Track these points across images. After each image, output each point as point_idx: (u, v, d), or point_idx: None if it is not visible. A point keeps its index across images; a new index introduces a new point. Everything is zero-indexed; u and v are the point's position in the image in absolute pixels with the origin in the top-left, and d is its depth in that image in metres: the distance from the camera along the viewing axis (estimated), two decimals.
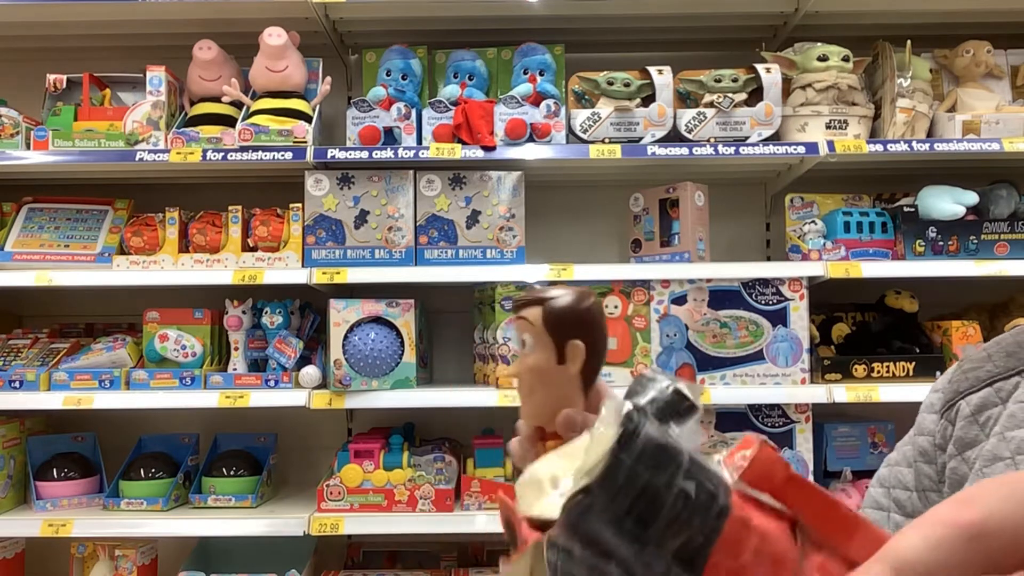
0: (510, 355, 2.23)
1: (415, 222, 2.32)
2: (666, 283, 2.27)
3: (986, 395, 0.75)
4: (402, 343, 2.24)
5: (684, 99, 2.37)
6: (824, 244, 2.31)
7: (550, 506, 0.43)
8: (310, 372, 2.26)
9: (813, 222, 2.36)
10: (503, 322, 2.24)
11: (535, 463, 0.46)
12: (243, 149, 2.26)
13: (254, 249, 2.35)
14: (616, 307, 2.27)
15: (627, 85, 2.30)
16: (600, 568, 0.40)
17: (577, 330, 0.73)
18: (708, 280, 2.27)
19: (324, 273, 2.23)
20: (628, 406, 0.42)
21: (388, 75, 2.40)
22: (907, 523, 0.78)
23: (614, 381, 2.25)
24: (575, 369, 0.72)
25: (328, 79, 2.43)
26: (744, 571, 0.40)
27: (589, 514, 0.40)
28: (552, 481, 0.44)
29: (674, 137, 2.29)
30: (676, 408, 0.46)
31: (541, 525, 0.44)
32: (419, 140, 2.31)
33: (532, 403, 0.73)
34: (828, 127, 2.27)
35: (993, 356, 0.77)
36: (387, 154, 2.25)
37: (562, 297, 0.71)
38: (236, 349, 2.35)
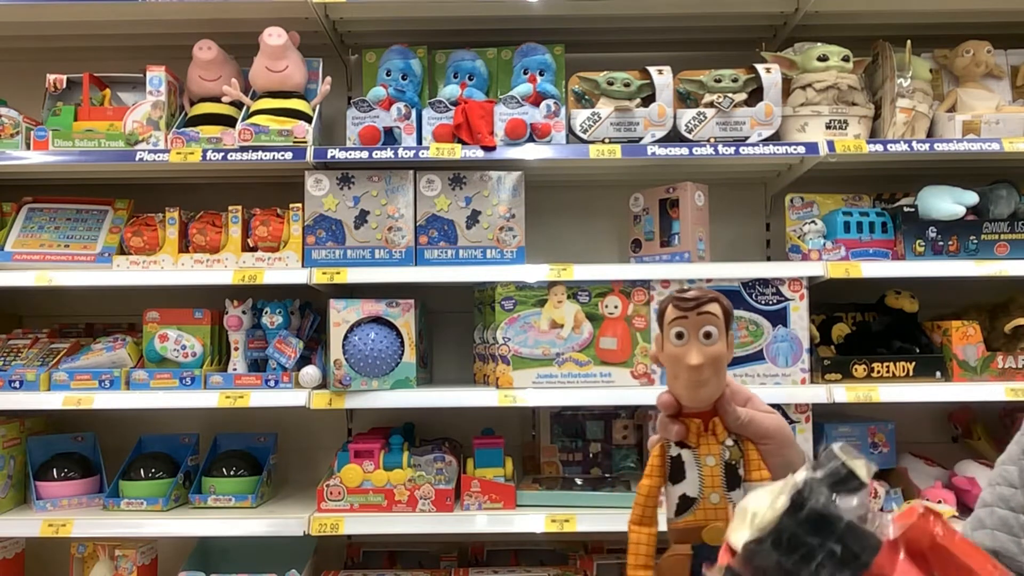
0: (510, 355, 2.23)
1: (415, 222, 2.32)
2: (666, 283, 2.27)
3: None
4: (402, 343, 2.24)
5: (684, 99, 2.37)
6: (824, 244, 2.31)
7: (738, 540, 0.60)
8: (310, 372, 2.26)
9: (813, 222, 2.36)
10: (498, 318, 2.24)
11: (753, 495, 0.62)
12: (243, 149, 2.26)
13: (254, 249, 2.35)
14: (616, 307, 2.27)
15: (627, 85, 2.30)
16: None
17: (730, 321, 0.87)
18: (708, 280, 2.27)
19: (324, 273, 2.23)
20: (804, 478, 0.59)
21: (388, 75, 2.40)
22: (1012, 518, 0.83)
23: (614, 381, 2.25)
24: (731, 354, 0.85)
25: (328, 79, 2.43)
26: None
27: (757, 557, 0.58)
28: (752, 518, 0.60)
29: (674, 137, 2.29)
30: (846, 483, 0.59)
31: (732, 550, 0.60)
32: (419, 140, 2.31)
33: (712, 386, 0.85)
34: (828, 127, 2.27)
35: None
36: (387, 154, 2.25)
37: (719, 295, 0.85)
38: (236, 349, 2.35)
